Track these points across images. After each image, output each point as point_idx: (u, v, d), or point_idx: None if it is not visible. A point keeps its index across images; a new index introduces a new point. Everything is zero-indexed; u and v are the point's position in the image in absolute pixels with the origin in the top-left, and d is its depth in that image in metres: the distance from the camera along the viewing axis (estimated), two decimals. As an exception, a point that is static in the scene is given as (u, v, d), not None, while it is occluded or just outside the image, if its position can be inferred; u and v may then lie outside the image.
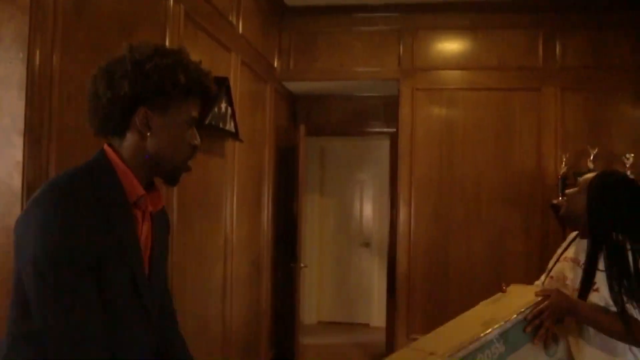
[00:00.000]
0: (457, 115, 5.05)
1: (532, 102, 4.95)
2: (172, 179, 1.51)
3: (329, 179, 7.49)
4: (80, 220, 1.28)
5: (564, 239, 4.68)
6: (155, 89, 1.38)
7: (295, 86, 5.54)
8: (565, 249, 2.37)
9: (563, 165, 4.80)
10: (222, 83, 3.42)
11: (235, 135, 3.68)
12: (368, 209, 7.30)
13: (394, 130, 5.32)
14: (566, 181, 4.79)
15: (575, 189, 2.25)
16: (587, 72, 4.94)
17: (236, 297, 4.11)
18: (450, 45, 5.12)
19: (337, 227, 7.34)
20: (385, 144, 6.00)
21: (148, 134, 1.41)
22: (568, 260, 2.27)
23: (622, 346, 2.08)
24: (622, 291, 2.00)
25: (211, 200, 3.60)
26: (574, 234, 2.43)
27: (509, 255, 4.95)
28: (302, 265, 5.37)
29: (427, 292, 5.05)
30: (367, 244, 7.21)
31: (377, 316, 7.01)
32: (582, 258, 2.17)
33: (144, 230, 1.48)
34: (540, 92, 4.95)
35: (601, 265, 2.10)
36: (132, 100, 1.38)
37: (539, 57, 4.99)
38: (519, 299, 2.18)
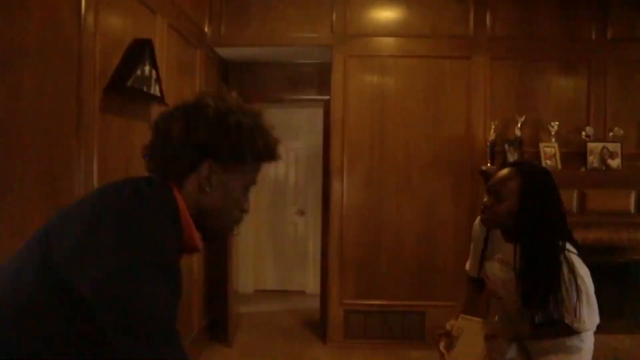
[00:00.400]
0: (389, 82, 5.07)
1: (462, 70, 5.03)
2: (212, 238, 1.43)
3: (265, 148, 7.41)
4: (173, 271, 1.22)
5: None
6: (231, 146, 1.32)
7: (227, 52, 5.42)
8: (485, 247, 2.38)
9: (492, 133, 4.91)
10: (145, 45, 3.31)
11: (160, 100, 3.57)
12: (303, 177, 7.29)
13: (328, 98, 5.30)
14: (494, 148, 4.91)
15: (492, 199, 2.17)
16: (516, 42, 5.05)
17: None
18: (384, 13, 5.11)
19: (273, 196, 7.32)
20: (320, 111, 5.97)
21: (207, 189, 1.34)
22: (499, 261, 2.30)
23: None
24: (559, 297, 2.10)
25: (135, 166, 3.49)
26: (479, 226, 2.44)
27: (439, 221, 5.07)
28: (234, 233, 5.31)
29: (359, 258, 5.11)
30: (302, 212, 7.23)
31: (312, 284, 7.07)
32: (507, 260, 2.23)
33: None
34: (470, 61, 5.02)
35: None
36: (204, 150, 1.31)
37: (470, 26, 5.06)
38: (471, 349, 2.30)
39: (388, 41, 5.06)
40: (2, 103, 2.18)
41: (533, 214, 2.11)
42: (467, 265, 2.59)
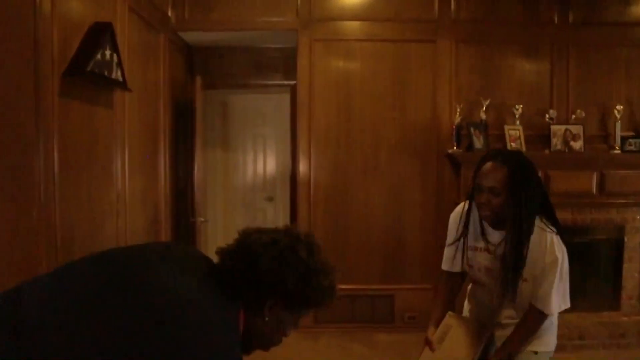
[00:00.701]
0: (355, 66, 5.07)
1: (427, 54, 5.04)
2: (248, 352, 1.55)
3: (232, 134, 7.35)
4: None
5: (459, 189, 4.89)
6: (305, 299, 1.47)
7: (191, 37, 5.36)
8: (464, 235, 2.40)
9: (457, 116, 4.94)
10: (106, 29, 3.24)
11: (123, 85, 3.52)
12: (271, 163, 7.24)
13: (294, 82, 5.28)
14: (460, 131, 4.95)
15: (488, 195, 2.20)
16: (480, 25, 5.08)
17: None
18: (349, -4, 5.09)
19: (242, 182, 7.25)
20: (287, 97, 5.95)
21: (266, 319, 1.48)
22: (482, 250, 2.34)
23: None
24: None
25: (99, 153, 3.45)
26: (458, 214, 2.47)
27: (406, 204, 5.10)
28: (201, 219, 5.29)
29: (327, 243, 5.10)
30: (270, 198, 7.19)
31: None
32: (492, 247, 2.28)
33: None
34: (435, 44, 5.04)
35: None
36: (281, 293, 1.44)
37: (435, 9, 5.07)
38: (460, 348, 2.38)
39: (353, 25, 5.05)
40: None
41: (524, 200, 2.15)
42: (446, 263, 2.53)
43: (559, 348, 4.48)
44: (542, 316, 2.27)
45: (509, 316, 2.39)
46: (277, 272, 1.43)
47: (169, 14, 4.92)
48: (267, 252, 1.45)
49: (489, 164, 2.21)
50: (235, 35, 5.29)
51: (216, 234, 7.06)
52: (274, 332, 1.53)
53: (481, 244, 2.33)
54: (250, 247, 1.48)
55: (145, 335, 1.25)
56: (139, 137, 4.15)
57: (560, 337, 4.48)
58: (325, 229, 5.10)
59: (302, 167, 5.09)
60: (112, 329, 1.25)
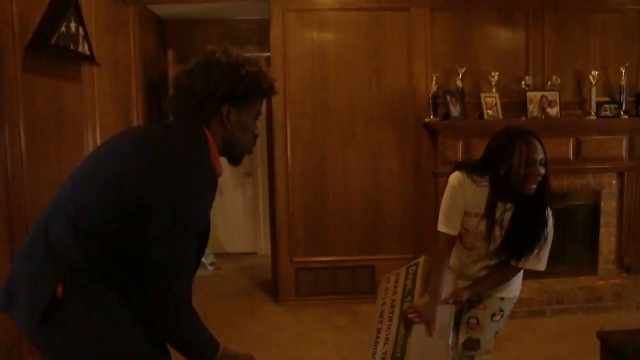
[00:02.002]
0: (329, 36, 4.99)
1: (402, 22, 4.98)
2: (237, 161, 1.80)
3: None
4: (211, 201, 1.61)
5: (436, 156, 4.88)
6: (245, 91, 1.67)
7: (162, 10, 5.25)
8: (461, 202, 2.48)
9: (433, 84, 4.91)
10: (69, 1, 3.15)
11: (90, 59, 3.43)
12: (249, 138, 7.19)
13: (269, 54, 5.19)
14: (437, 100, 4.93)
15: (540, 167, 2.35)
16: (455, -8, 5.02)
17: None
18: (321, -35, 5.00)
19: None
20: (262, 69, 5.86)
21: (229, 126, 1.69)
22: (476, 215, 2.45)
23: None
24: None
25: (68, 129, 3.37)
26: (457, 186, 2.48)
27: (384, 174, 5.08)
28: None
29: (307, 216, 5.10)
30: (249, 173, 7.16)
31: (264, 244, 7.05)
32: (499, 217, 2.43)
33: None
34: (409, 12, 4.98)
35: None
36: (223, 98, 1.65)
37: (409, -24, 5.00)
38: None
39: (327, -6, 4.97)
40: None
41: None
42: (446, 226, 2.50)
43: (538, 313, 4.60)
44: (517, 271, 2.51)
45: (484, 269, 2.58)
46: (209, 83, 1.63)
47: (138, -14, 4.80)
48: (194, 75, 1.65)
49: (532, 139, 2.36)
50: (207, 7, 5.19)
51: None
52: (244, 134, 1.74)
53: (475, 211, 2.45)
54: (178, 80, 1.70)
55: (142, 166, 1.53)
56: (109, 112, 4.07)
57: (539, 302, 4.62)
58: (304, 202, 5.08)
59: (278, 139, 5.04)
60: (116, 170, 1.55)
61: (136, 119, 4.67)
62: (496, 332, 2.59)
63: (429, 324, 2.42)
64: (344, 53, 4.99)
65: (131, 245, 1.51)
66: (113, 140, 1.70)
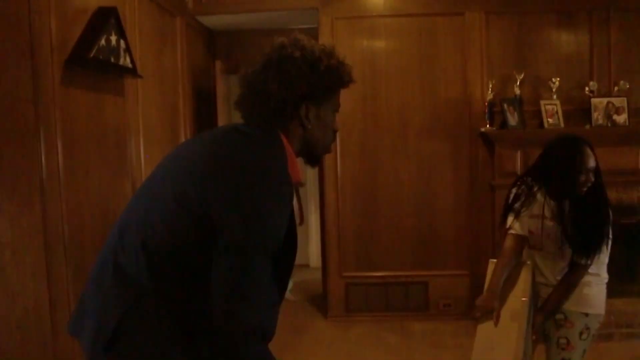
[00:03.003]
0: (379, 44, 4.83)
1: (456, 27, 4.77)
2: (317, 161, 1.68)
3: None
4: (286, 211, 1.45)
5: (493, 168, 4.64)
6: (325, 87, 1.54)
7: (211, 21, 5.21)
8: (524, 206, 2.66)
9: (490, 92, 4.68)
10: (110, 13, 3.10)
11: (133, 72, 3.38)
12: (301, 149, 7.10)
13: (318, 64, 5.06)
14: (493, 108, 4.69)
15: (591, 174, 2.51)
16: (512, -6, 4.78)
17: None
18: (371, -30, 4.85)
19: (271, 170, 7.14)
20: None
21: (309, 126, 1.55)
22: (539, 217, 2.60)
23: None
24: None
25: (110, 143, 3.32)
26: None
27: (438, 185, 4.86)
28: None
29: (357, 229, 4.94)
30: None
31: (315, 257, 6.93)
32: (546, 213, 2.58)
33: None
34: (463, 17, 4.76)
35: None
36: (303, 97, 1.50)
37: (462, -20, 4.78)
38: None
39: (376, 0, 4.80)
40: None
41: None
42: (516, 225, 2.68)
43: (606, 337, 4.27)
44: (585, 268, 2.56)
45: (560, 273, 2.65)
46: (286, 85, 1.49)
47: (185, -3, 4.77)
48: (268, 76, 1.51)
49: (586, 148, 2.50)
50: (255, 17, 5.11)
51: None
52: (324, 132, 1.61)
53: (538, 212, 2.60)
54: (249, 80, 1.56)
55: (216, 176, 1.41)
56: (155, 125, 4.03)
57: (606, 325, 4.28)
58: (355, 215, 4.91)
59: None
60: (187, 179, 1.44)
61: (183, 132, 4.63)
62: (584, 351, 2.62)
63: (493, 316, 2.47)
64: (395, 61, 4.81)
65: (204, 268, 1.39)
66: (179, 150, 1.60)
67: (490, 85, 4.67)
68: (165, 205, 1.43)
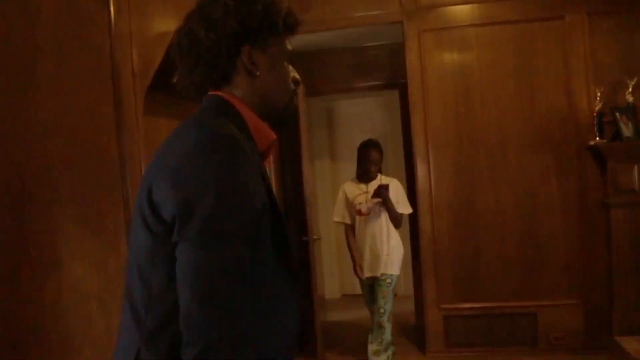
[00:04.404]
0: (471, 56, 4.47)
1: (555, 32, 4.36)
2: (284, 120, 1.44)
3: (339, 142, 6.98)
4: (254, 178, 1.17)
5: (605, 184, 4.18)
6: (261, 23, 1.31)
7: (290, 41, 5.00)
8: None
9: (598, 101, 4.23)
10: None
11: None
12: (384, 171, 6.76)
13: (403, 80, 4.76)
14: (603, 118, 4.24)
15: None
16: (616, -8, 4.32)
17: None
18: (458, -24, 4.51)
19: (353, 193, 6.85)
20: (396, 96, 5.47)
21: (257, 72, 1.32)
22: None
23: None
24: None
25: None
26: None
27: (543, 205, 4.42)
28: (314, 237, 4.90)
29: (456, 254, 4.55)
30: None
31: (405, 284, 6.56)
32: None
33: None
34: (563, 21, 4.34)
35: None
36: (237, 38, 1.29)
37: (560, -20, 4.38)
38: None
39: (466, 9, 4.46)
40: (20, 119, 1.82)
41: None
42: None
43: None
44: None
45: None
46: (214, 23, 1.28)
47: (264, 19, 4.58)
48: (195, 24, 1.30)
49: None
50: (335, 35, 4.88)
51: (330, 252, 6.68)
52: (278, 78, 1.37)
53: None
54: (179, 44, 1.33)
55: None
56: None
57: None
58: (452, 241, 4.53)
59: (421, 172, 4.56)
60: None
61: (266, 159, 4.41)
62: None
63: None
64: (490, 73, 4.44)
65: None
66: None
67: (598, 94, 4.22)
68: (135, 224, 1.24)
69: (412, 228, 4.94)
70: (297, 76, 1.45)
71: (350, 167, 6.46)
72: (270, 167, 1.21)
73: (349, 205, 4.36)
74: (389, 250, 4.19)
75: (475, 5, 4.44)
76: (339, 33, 4.84)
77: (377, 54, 5.33)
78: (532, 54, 4.39)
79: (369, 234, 4.23)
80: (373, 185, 4.24)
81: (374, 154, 4.24)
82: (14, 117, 1.77)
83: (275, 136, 1.38)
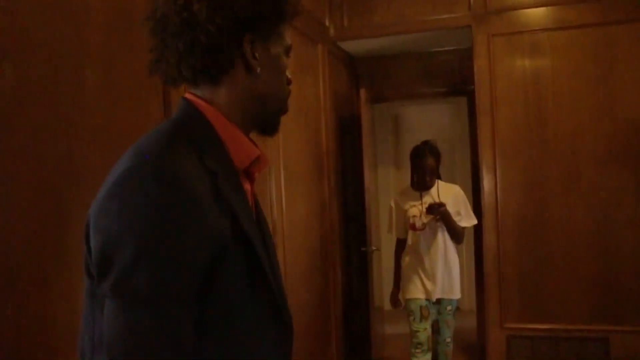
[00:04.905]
0: (544, 62, 4.21)
1: (638, 36, 4.04)
2: (274, 126, 1.22)
3: (405, 149, 6.80)
4: (193, 216, 0.92)
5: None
6: (274, 13, 1.10)
7: (353, 46, 4.90)
8: None
9: (684, 112, 3.90)
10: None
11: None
12: (449, 180, 6.52)
13: (472, 87, 4.56)
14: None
15: None
16: None
17: (297, 287, 3.60)
18: (531, -22, 4.27)
19: (417, 202, 6.66)
20: (463, 104, 5.27)
21: (258, 69, 1.10)
22: None
23: None
24: None
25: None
26: None
27: (620, 224, 4.09)
28: (373, 248, 4.76)
29: (522, 272, 4.29)
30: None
31: (467, 298, 6.30)
32: None
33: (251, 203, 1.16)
34: (648, 24, 4.04)
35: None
36: (243, 25, 1.06)
37: (646, -20, 4.07)
38: None
39: (539, 12, 4.21)
40: (67, 119, 1.78)
41: None
42: None
43: None
44: None
45: None
46: (222, 3, 1.04)
47: (326, 23, 4.48)
48: (191, 2, 1.04)
49: None
50: (400, 40, 4.73)
51: (390, 265, 6.49)
52: (277, 78, 1.17)
53: None
54: (165, 16, 1.06)
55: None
56: (296, 158, 3.74)
57: None
58: (519, 260, 4.28)
59: (487, 184, 4.34)
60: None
61: (326, 167, 4.31)
62: None
63: None
64: (565, 81, 4.17)
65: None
66: None
67: (687, 103, 3.90)
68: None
69: (477, 240, 4.72)
70: (290, 75, 1.25)
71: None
72: (254, 190, 1.04)
73: (402, 217, 3.97)
74: (448, 271, 3.86)
75: (549, 8, 4.18)
76: (405, 38, 4.69)
77: (444, 59, 5.14)
78: (612, 60, 4.09)
79: (424, 252, 3.87)
80: (430, 195, 3.86)
81: (430, 161, 3.85)
82: (60, 121, 1.74)
83: (259, 152, 1.15)
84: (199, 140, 1.03)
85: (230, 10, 1.04)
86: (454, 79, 5.15)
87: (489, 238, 4.33)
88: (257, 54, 1.10)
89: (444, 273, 3.86)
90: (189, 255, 0.92)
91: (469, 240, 5.60)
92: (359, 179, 4.84)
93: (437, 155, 3.91)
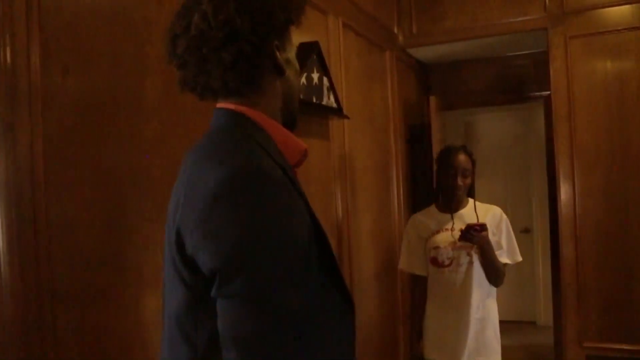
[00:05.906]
0: (628, 64, 3.97)
1: None
2: (296, 121, 1.28)
3: (477, 159, 6.60)
4: (294, 210, 1.03)
5: None
6: (297, 11, 1.16)
7: (423, 53, 4.79)
8: None
9: None
10: (312, 49, 2.80)
11: (338, 112, 3.05)
12: (525, 189, 6.29)
13: (548, 93, 4.36)
14: None
15: None
16: None
17: (366, 300, 3.54)
18: (612, -25, 4.04)
19: (490, 213, 6.45)
20: (540, 110, 5.07)
21: (287, 71, 1.18)
22: None
23: None
24: None
25: (312, 191, 3.00)
26: None
27: None
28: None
29: (603, 289, 4.04)
30: (527, 230, 6.23)
31: (544, 313, 6.06)
32: None
33: None
34: None
35: None
36: (274, 32, 1.12)
37: None
38: None
39: (621, 11, 3.97)
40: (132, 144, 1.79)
41: None
42: None
43: None
44: None
45: None
46: (259, 13, 1.08)
47: (395, 29, 4.40)
48: (226, 8, 1.07)
49: None
50: (472, 45, 4.59)
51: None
52: (296, 75, 1.24)
53: None
54: (198, 27, 1.08)
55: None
56: (364, 169, 3.68)
57: None
58: (600, 271, 4.03)
59: (564, 193, 4.12)
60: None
61: (395, 177, 4.23)
62: None
63: None
64: (650, 83, 3.92)
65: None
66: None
67: None
68: (168, 272, 1.11)
69: (553, 250, 4.49)
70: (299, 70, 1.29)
71: (487, 184, 6.09)
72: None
73: (421, 247, 2.94)
74: (482, 327, 2.82)
75: (634, 5, 3.94)
76: (477, 43, 4.54)
77: (518, 64, 4.96)
78: (703, 61, 3.82)
79: (449, 298, 2.82)
80: (461, 217, 2.85)
81: (463, 158, 2.87)
82: (120, 133, 1.75)
83: (305, 145, 1.21)
84: (262, 142, 1.08)
85: (269, 20, 1.09)
86: (529, 84, 4.96)
87: (567, 249, 4.11)
88: (283, 56, 1.16)
89: (477, 329, 2.82)
90: (300, 246, 1.01)
91: (545, 250, 5.36)
92: (429, 189, 4.72)
93: (471, 157, 2.99)
